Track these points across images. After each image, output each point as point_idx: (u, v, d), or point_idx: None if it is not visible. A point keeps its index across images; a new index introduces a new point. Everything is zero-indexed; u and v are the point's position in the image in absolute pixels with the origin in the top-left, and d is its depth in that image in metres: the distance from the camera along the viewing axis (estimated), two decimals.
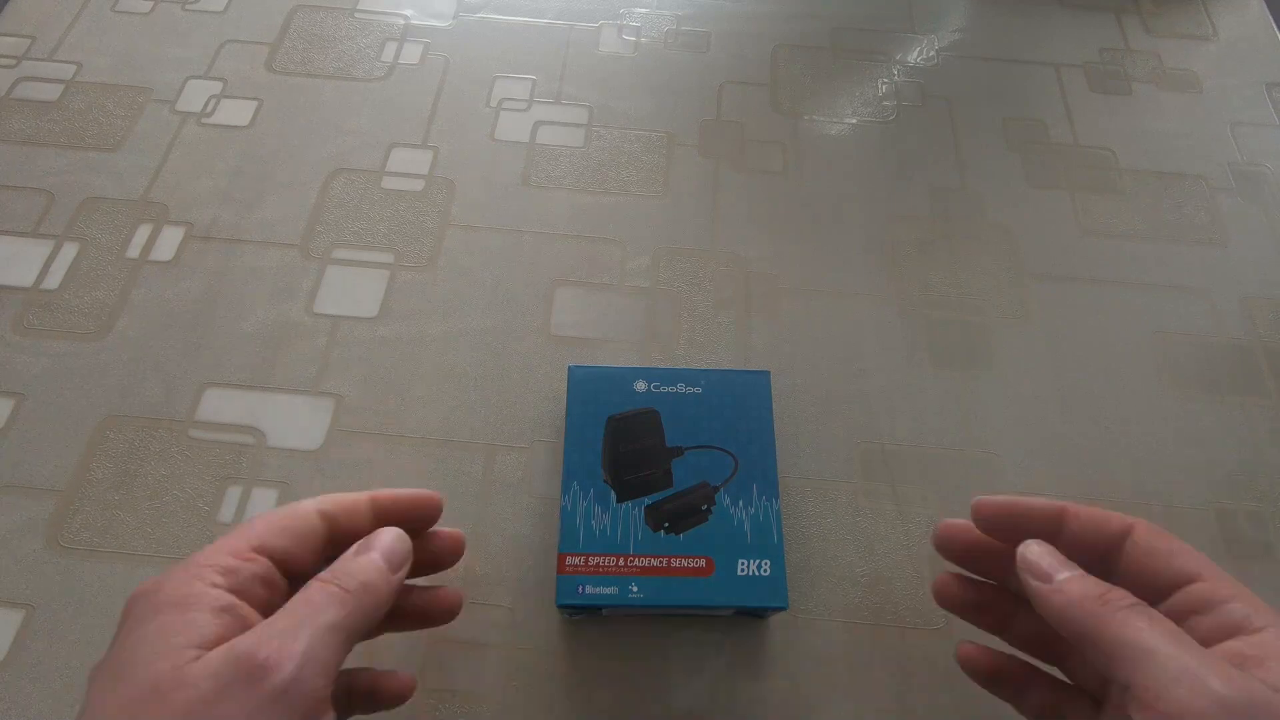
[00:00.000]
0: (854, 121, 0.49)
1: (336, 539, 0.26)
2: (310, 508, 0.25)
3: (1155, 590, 0.24)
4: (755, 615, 0.32)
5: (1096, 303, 0.42)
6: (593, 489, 0.31)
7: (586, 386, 0.34)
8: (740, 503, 0.31)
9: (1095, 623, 0.22)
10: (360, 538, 0.26)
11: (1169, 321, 0.42)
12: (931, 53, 0.52)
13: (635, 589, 0.30)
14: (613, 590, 0.30)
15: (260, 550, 0.24)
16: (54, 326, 0.39)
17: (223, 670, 0.20)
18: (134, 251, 0.41)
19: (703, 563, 0.30)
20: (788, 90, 0.50)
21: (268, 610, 0.23)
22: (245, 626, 0.22)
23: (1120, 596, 0.22)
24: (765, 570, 0.30)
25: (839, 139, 0.48)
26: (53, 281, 0.40)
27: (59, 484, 0.35)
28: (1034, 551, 0.25)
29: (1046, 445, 0.38)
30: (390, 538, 0.25)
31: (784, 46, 0.52)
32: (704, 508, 0.31)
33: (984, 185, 0.46)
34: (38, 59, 0.48)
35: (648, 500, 0.31)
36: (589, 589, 0.30)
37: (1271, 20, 0.55)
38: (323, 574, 0.23)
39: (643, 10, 0.53)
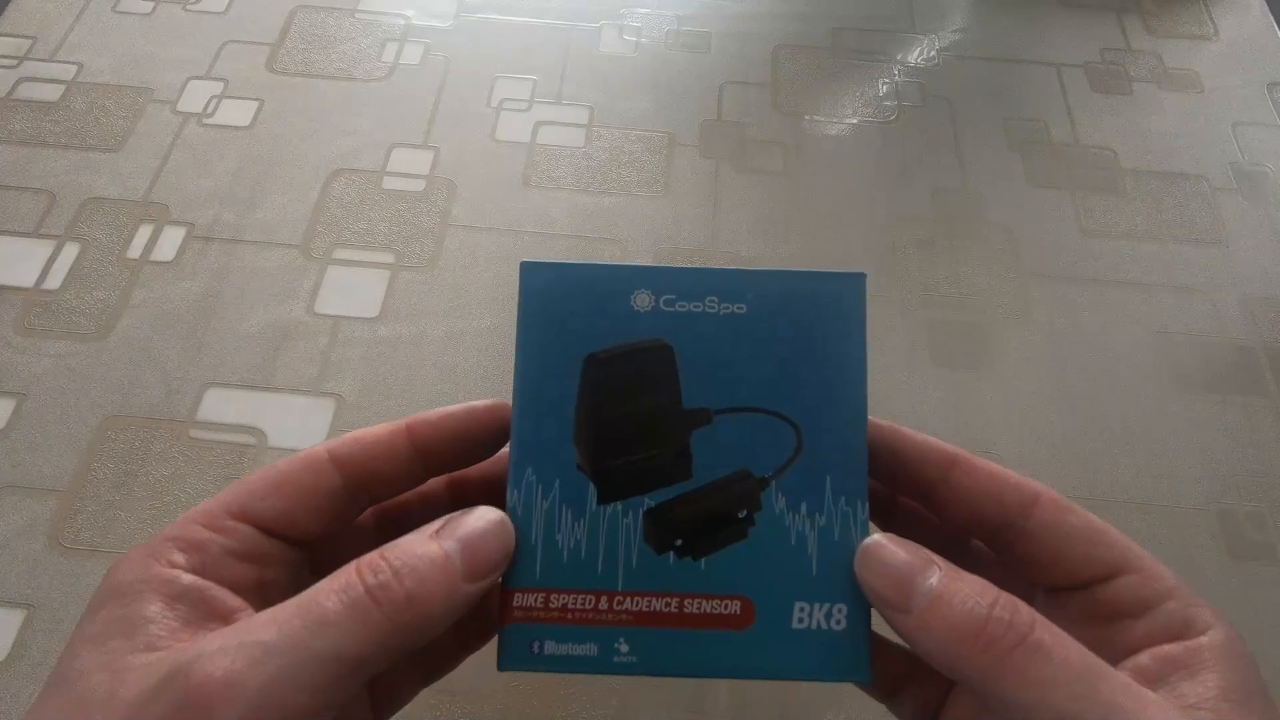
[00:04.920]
0: (855, 121, 0.49)
1: (363, 488, 0.20)
2: (320, 454, 0.19)
3: (1068, 580, 0.19)
4: None
5: (1097, 303, 0.42)
6: (559, 481, 0.20)
7: (549, 300, 0.21)
8: (803, 507, 0.20)
9: (979, 674, 0.16)
10: (400, 484, 0.20)
11: (1170, 321, 0.42)
12: (932, 53, 0.52)
13: (625, 647, 0.19)
14: (589, 649, 0.19)
15: (242, 516, 0.18)
16: (55, 327, 0.39)
17: (151, 690, 0.15)
18: (135, 252, 0.41)
19: (736, 606, 0.20)
20: (788, 90, 0.50)
21: (264, 597, 0.18)
22: (221, 617, 0.17)
23: (1004, 626, 0.16)
24: (839, 622, 0.19)
25: (839, 139, 0.48)
26: (54, 282, 0.40)
27: (60, 484, 0.35)
28: (876, 567, 0.18)
29: (1046, 445, 0.38)
30: (482, 523, 0.18)
31: (784, 46, 0.52)
32: (741, 514, 0.20)
33: (984, 185, 0.46)
34: (39, 59, 0.48)
35: (649, 501, 0.20)
36: (550, 646, 0.19)
37: (1273, 20, 0.55)
38: (365, 560, 0.17)
39: (643, 10, 0.53)
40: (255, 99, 0.47)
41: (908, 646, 0.18)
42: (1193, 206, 0.46)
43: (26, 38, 0.49)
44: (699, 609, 0.19)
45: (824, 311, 0.21)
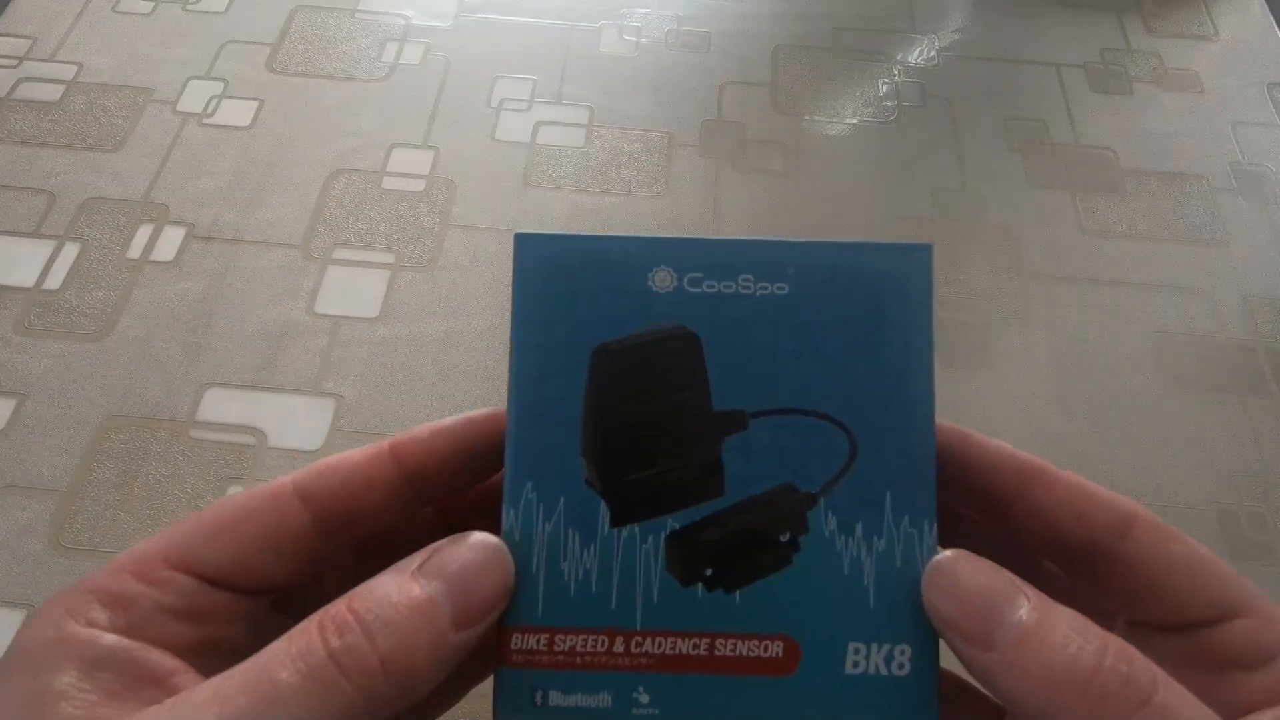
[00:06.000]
0: (854, 121, 0.49)
1: (339, 526, 0.17)
2: (284, 487, 0.16)
3: (1171, 618, 0.16)
4: None
5: (1097, 303, 0.42)
6: (564, 499, 0.17)
7: (550, 280, 0.17)
8: (858, 529, 0.17)
9: None
10: (384, 518, 0.17)
11: (1170, 321, 0.42)
12: (932, 53, 0.52)
13: (645, 697, 0.16)
14: (602, 699, 0.16)
15: (182, 564, 0.15)
16: (55, 327, 0.39)
17: None
18: (135, 252, 0.41)
19: (778, 648, 0.16)
20: (788, 90, 0.50)
21: (213, 652, 0.15)
22: (154, 683, 0.14)
23: (1120, 681, 0.13)
24: (902, 665, 0.16)
25: (839, 139, 0.48)
26: (54, 282, 0.40)
27: (60, 484, 0.35)
28: (950, 590, 0.15)
29: (1046, 445, 0.38)
30: (474, 554, 0.15)
31: (784, 46, 0.52)
32: (784, 538, 0.17)
33: (984, 185, 0.46)
34: (39, 59, 0.48)
35: (673, 522, 0.17)
36: (556, 696, 0.16)
37: (1272, 20, 0.55)
38: (328, 614, 0.14)
39: (643, 10, 0.53)
40: (255, 99, 0.47)
41: (974, 682, 0.15)
42: (1193, 206, 0.46)
43: (26, 38, 0.49)
44: (733, 651, 0.16)
45: (882, 292, 0.17)
